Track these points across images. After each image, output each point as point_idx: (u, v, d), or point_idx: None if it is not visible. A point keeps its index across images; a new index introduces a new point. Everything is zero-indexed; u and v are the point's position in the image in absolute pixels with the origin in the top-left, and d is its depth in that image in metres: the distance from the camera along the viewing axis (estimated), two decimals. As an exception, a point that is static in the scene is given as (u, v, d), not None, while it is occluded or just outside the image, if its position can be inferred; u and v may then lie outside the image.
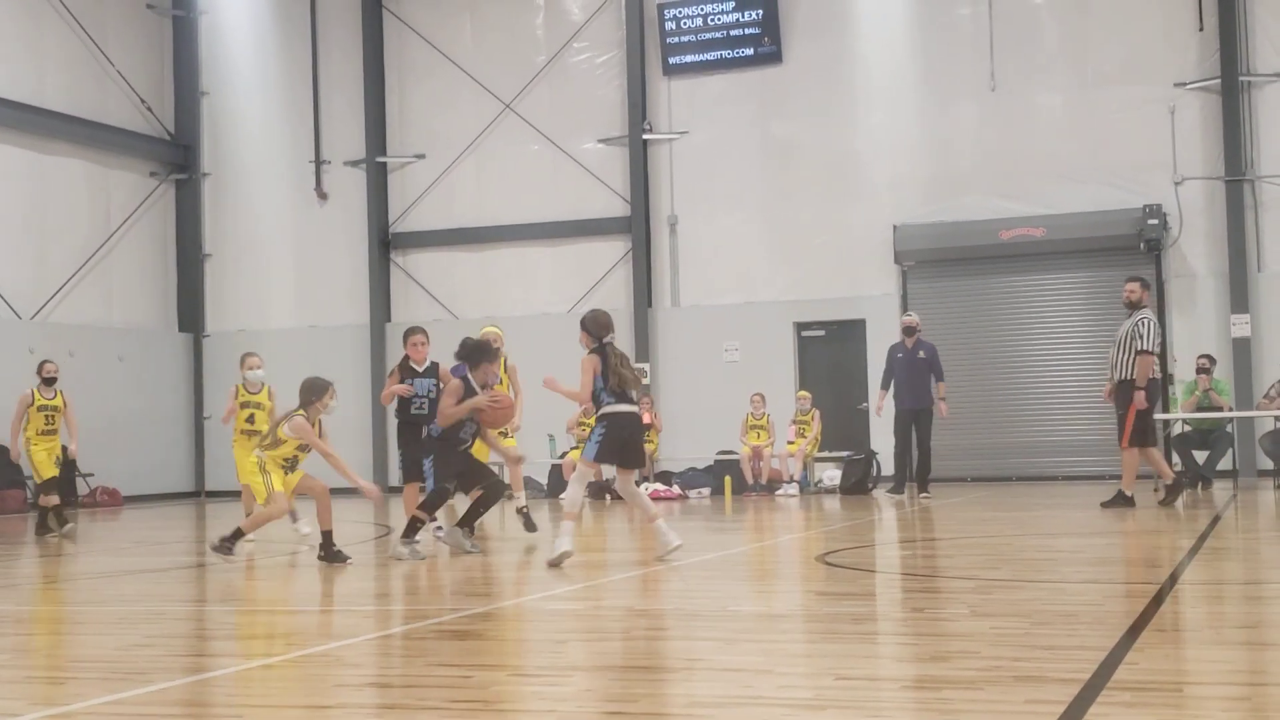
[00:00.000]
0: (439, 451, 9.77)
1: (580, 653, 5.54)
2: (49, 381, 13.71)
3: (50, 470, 13.45)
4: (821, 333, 21.30)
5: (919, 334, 16.63)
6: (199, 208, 24.21)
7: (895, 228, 20.71)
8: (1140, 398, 12.73)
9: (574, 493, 9.09)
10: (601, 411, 8.90)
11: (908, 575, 8.27)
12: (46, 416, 13.58)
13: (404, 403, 11.08)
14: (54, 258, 21.74)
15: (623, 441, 8.90)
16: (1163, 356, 16.54)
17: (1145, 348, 12.71)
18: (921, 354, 16.39)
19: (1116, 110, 20.05)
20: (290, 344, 23.65)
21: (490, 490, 9.97)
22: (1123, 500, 12.84)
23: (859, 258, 21.02)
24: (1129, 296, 13.07)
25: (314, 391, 9.99)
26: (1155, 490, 13.93)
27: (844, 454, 18.82)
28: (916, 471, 16.26)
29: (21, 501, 19.25)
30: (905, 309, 20.80)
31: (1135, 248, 19.61)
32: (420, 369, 11.26)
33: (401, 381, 11.07)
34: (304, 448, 9.99)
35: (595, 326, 9.23)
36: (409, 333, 11.46)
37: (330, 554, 9.59)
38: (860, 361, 20.84)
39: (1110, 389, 13.16)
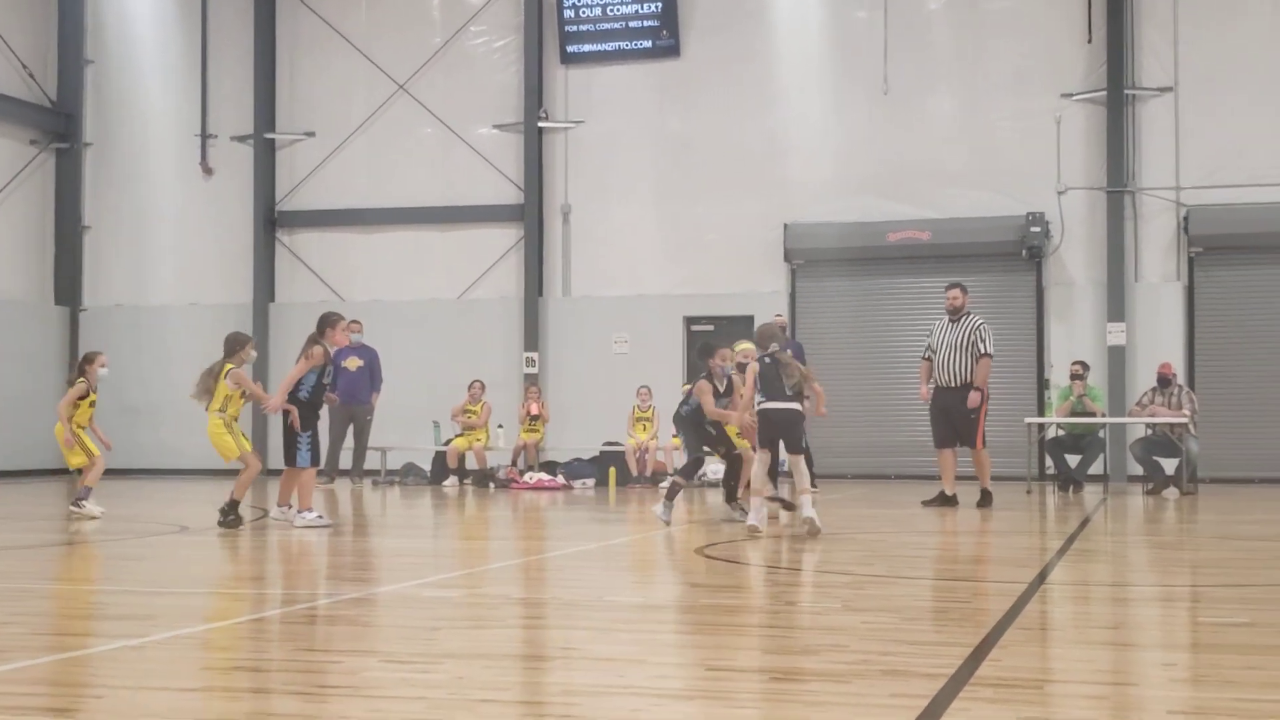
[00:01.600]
0: (690, 426, 11.86)
1: (455, 640, 5.51)
2: None
3: None
4: (710, 327, 21.41)
5: (786, 337, 16.83)
6: (79, 178, 23.58)
7: (786, 226, 20.91)
8: (975, 398, 13.41)
9: (759, 471, 10.33)
10: (757, 408, 10.35)
11: (784, 569, 8.37)
12: None
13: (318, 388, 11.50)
14: (-75, 224, 21.05)
15: (774, 430, 10.33)
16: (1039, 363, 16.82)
17: (989, 351, 13.53)
18: (789, 352, 16.56)
19: (1005, 118, 20.46)
20: (170, 321, 23.18)
21: (732, 461, 12.04)
22: (988, 499, 13.41)
23: (750, 254, 21.19)
24: (953, 302, 13.84)
25: (237, 344, 11.37)
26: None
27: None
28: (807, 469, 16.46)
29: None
30: (794, 306, 21.04)
31: (1017, 254, 20.04)
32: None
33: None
34: (244, 395, 11.28)
35: (759, 339, 10.79)
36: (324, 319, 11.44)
37: (228, 521, 10.69)
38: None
39: (927, 392, 13.78)
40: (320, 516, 10.87)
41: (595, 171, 21.94)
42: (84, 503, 12.04)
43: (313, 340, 11.04)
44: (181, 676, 4.68)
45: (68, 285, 23.49)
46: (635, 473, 18.60)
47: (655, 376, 20.05)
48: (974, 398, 13.42)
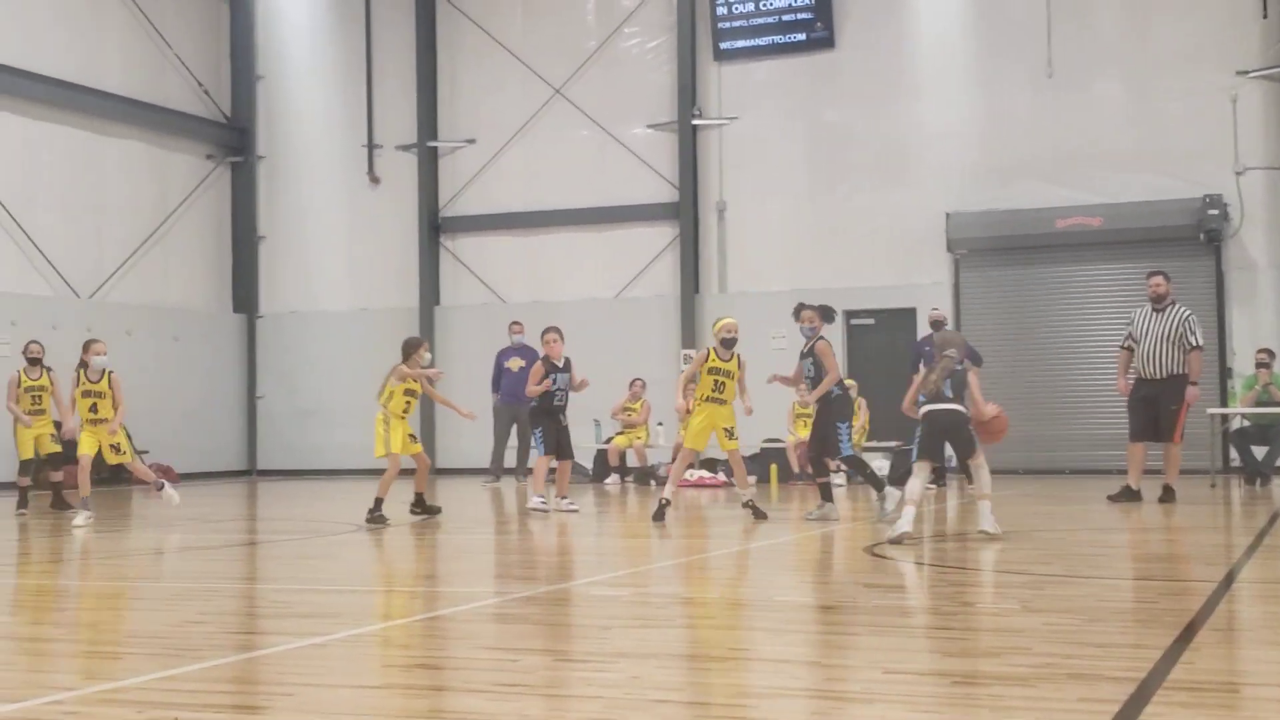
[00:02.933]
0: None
1: (627, 640, 5.53)
2: (34, 362, 13.81)
3: (29, 452, 13.63)
4: (871, 321, 21.16)
5: (945, 327, 16.53)
6: (254, 190, 24.38)
7: (948, 215, 20.53)
8: (1194, 393, 12.76)
9: (915, 484, 9.44)
10: (922, 411, 9.76)
11: (958, 569, 8.21)
12: (33, 397, 13.71)
13: (546, 394, 12.73)
14: (112, 238, 21.97)
15: (939, 435, 9.70)
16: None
17: (1199, 344, 12.86)
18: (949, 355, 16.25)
19: (1176, 98, 19.77)
20: (341, 326, 23.84)
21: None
22: (1170, 495, 12.90)
23: (910, 246, 20.87)
24: (1157, 290, 13.16)
25: (412, 347, 12.18)
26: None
27: (892, 444, 18.69)
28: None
29: (73, 477, 19.45)
30: (957, 298, 20.66)
31: (1194, 238, 19.34)
32: (559, 364, 12.83)
33: (545, 376, 12.66)
34: (411, 393, 11.95)
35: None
36: (545, 332, 13.01)
37: (424, 508, 12.05)
38: (910, 351, 20.66)
39: (1126, 384, 13.20)
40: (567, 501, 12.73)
41: (750, 167, 21.85)
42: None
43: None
44: (365, 674, 4.79)
45: (245, 294, 24.31)
46: (797, 469, 18.47)
47: (817, 372, 19.84)
48: (1193, 393, 12.79)
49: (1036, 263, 20.34)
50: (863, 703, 4.18)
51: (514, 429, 18.81)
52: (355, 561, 9.35)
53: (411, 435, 12.05)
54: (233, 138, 24.17)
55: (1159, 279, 13.27)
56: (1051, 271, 20.36)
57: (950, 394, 9.73)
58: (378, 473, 12.05)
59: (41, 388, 13.74)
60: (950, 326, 17.08)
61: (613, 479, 18.84)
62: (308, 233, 24.24)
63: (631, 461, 19.20)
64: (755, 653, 5.11)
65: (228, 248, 24.35)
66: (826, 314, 12.11)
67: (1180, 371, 12.86)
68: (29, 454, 13.66)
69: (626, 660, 4.96)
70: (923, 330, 18.76)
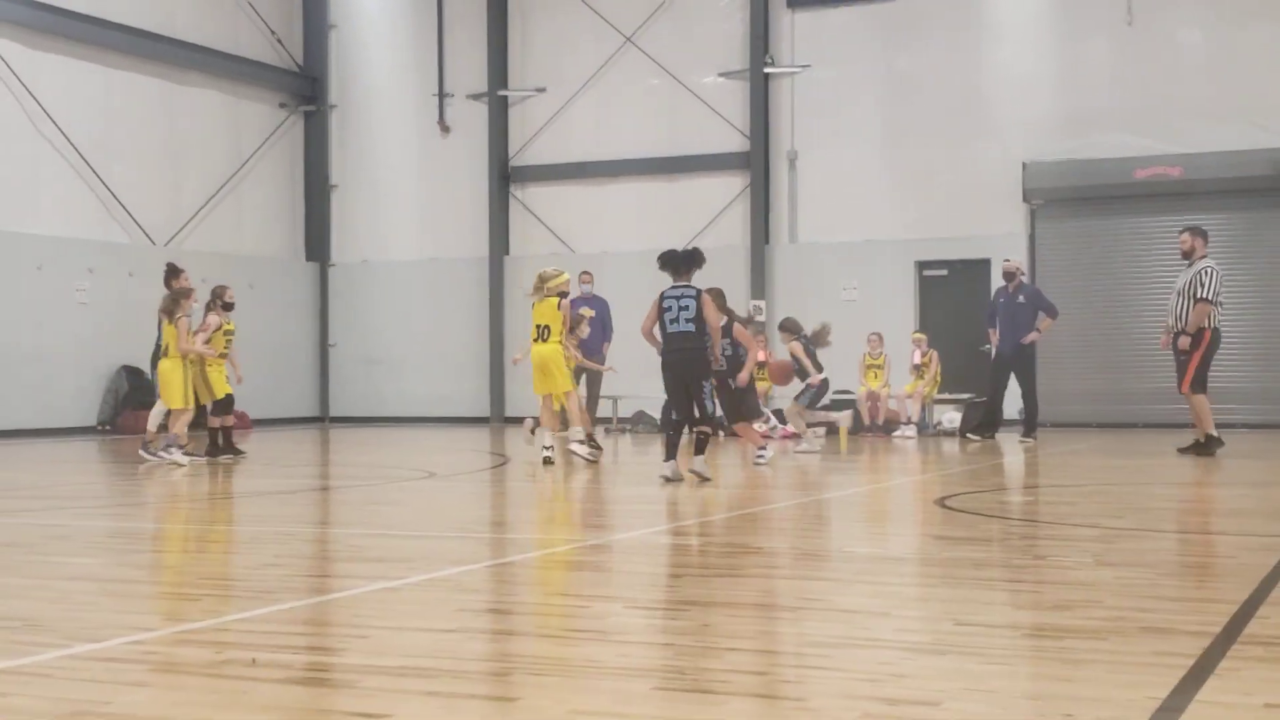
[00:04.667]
0: None
1: (696, 588, 5.55)
2: (228, 307, 13.95)
3: (225, 389, 13.71)
4: (944, 272, 20.95)
5: (1020, 278, 16.39)
6: (326, 139, 24.54)
7: (1024, 165, 20.24)
8: (1183, 342, 13.07)
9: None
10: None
11: (1029, 521, 8.15)
12: (228, 340, 13.87)
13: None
14: (187, 187, 22.24)
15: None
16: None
17: (1206, 296, 12.97)
18: (1021, 298, 16.22)
19: (1259, 46, 19.30)
20: (411, 275, 24.01)
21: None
22: (1208, 442, 13.05)
23: (985, 196, 20.61)
24: (1182, 247, 13.43)
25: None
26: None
27: (964, 396, 18.54)
28: (1027, 417, 16.09)
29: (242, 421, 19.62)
30: (1033, 249, 20.40)
31: (1276, 189, 18.94)
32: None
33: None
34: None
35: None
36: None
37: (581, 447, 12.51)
38: (984, 302, 20.37)
39: (1166, 339, 13.43)
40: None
41: (822, 116, 21.64)
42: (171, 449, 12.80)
43: None
44: (438, 618, 4.85)
45: (317, 242, 24.54)
46: (867, 421, 18.39)
47: (886, 323, 19.75)
48: (1182, 341, 13.11)
49: (1114, 213, 20.02)
50: (934, 654, 4.17)
51: (583, 378, 18.84)
52: (425, 508, 9.45)
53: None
54: (305, 86, 24.32)
55: (1184, 235, 13.51)
56: (1129, 222, 20.03)
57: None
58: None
59: (233, 332, 13.91)
60: (1025, 278, 16.85)
61: (806, 441, 18.82)
62: (379, 182, 24.38)
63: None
64: (825, 603, 5.11)
65: (300, 196, 24.56)
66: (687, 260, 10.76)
67: (1201, 325, 13.05)
68: (221, 394, 13.68)
69: (696, 608, 4.98)
70: (996, 282, 18.58)
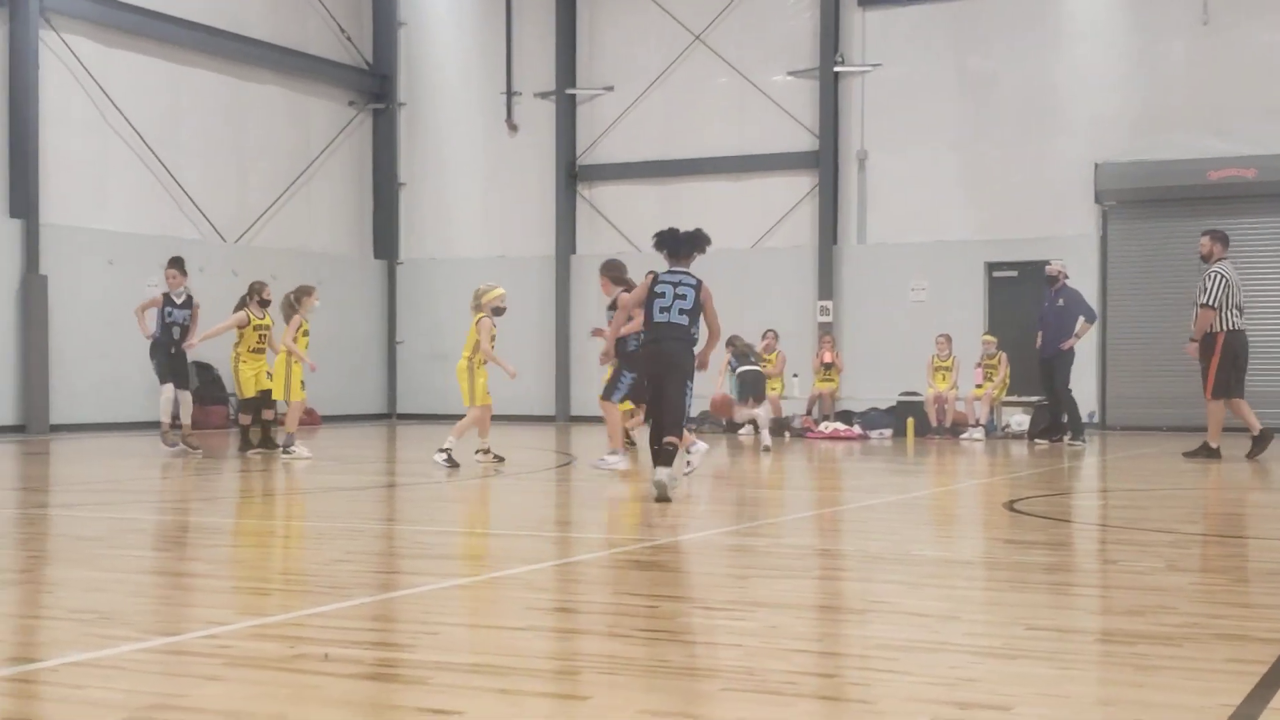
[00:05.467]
0: None
1: (763, 589, 5.55)
2: (264, 304, 14.19)
3: (252, 390, 13.98)
4: (1014, 274, 20.74)
5: (1063, 281, 16.31)
6: (394, 137, 24.73)
7: (1096, 166, 20.00)
8: (1189, 349, 13.41)
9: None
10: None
11: (1100, 526, 8.06)
12: (260, 335, 14.08)
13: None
14: (256, 184, 22.50)
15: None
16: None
17: (1207, 301, 13.17)
18: (1061, 301, 16.22)
19: (1340, 45, 18.93)
20: (478, 274, 24.00)
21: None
22: (1207, 452, 13.20)
23: (1056, 196, 20.38)
24: (1201, 250, 13.66)
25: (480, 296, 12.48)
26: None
27: (1033, 399, 18.36)
28: (1068, 419, 16.03)
29: (224, 418, 20.09)
30: (1104, 250, 20.15)
31: (1354, 192, 18.58)
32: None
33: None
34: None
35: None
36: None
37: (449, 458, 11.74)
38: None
39: (1190, 346, 13.66)
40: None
41: (892, 115, 21.50)
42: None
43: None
44: (507, 616, 4.88)
45: (385, 240, 24.74)
46: (934, 423, 18.26)
47: (955, 324, 19.60)
48: (1190, 348, 13.44)
49: (1187, 215, 19.71)
50: (1004, 658, 4.14)
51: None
52: (492, 506, 9.51)
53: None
54: (374, 84, 24.53)
55: (1204, 238, 13.68)
56: (1202, 225, 19.63)
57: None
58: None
59: (267, 327, 14.16)
60: (1070, 282, 16.77)
61: (747, 430, 18.82)
62: (446, 180, 24.53)
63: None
64: (893, 605, 5.09)
65: (369, 194, 24.78)
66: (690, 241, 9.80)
67: (1208, 330, 13.23)
68: (251, 392, 14.01)
69: (764, 609, 4.98)
70: (1076, 283, 18.32)
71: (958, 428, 18.12)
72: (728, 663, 4.06)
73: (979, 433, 17.79)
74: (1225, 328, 13.15)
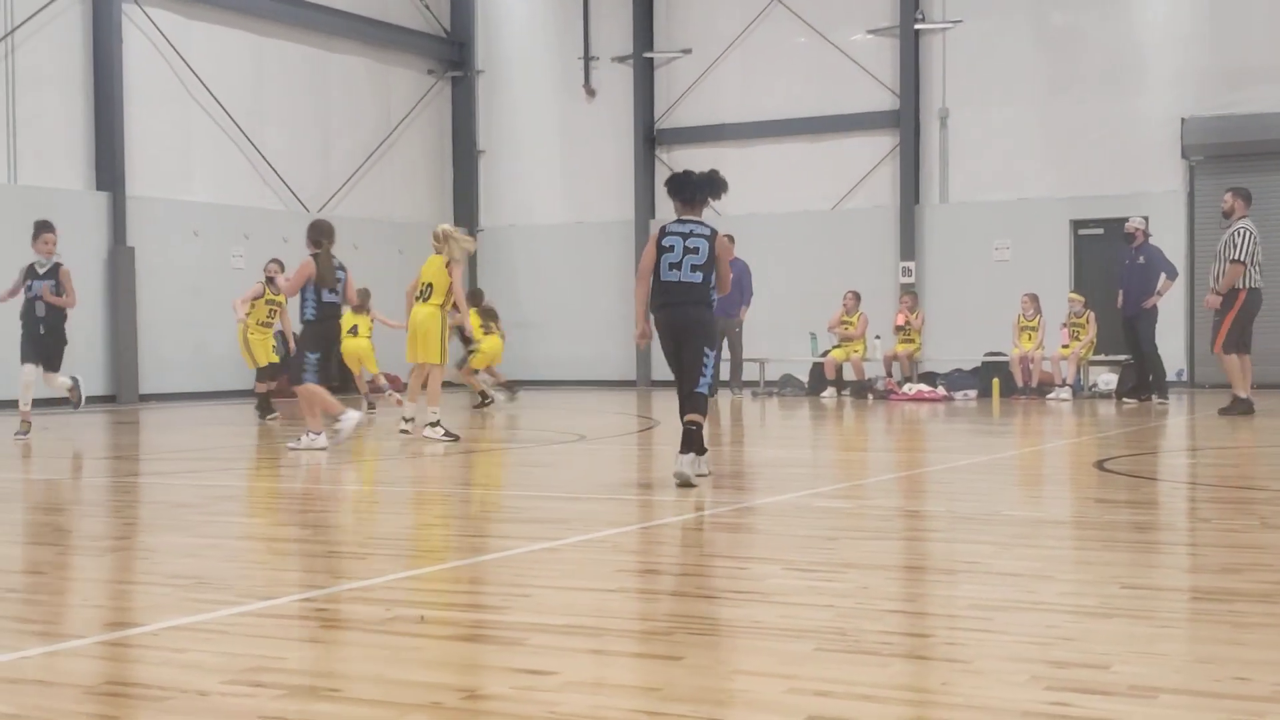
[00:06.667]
0: None
1: (854, 550, 5.54)
2: (270, 280, 14.61)
3: (267, 359, 14.46)
4: (1100, 231, 20.40)
5: (1143, 238, 16.17)
6: (473, 105, 24.81)
7: (1183, 120, 19.57)
8: (1210, 300, 13.57)
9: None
10: None
11: (1191, 484, 7.93)
12: (270, 310, 14.48)
13: None
14: (337, 153, 22.70)
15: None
16: None
17: (1238, 257, 13.26)
18: (1142, 259, 16.06)
19: None
20: (557, 239, 24.19)
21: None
22: (1240, 405, 13.24)
23: (1142, 153, 19.99)
24: (1223, 207, 13.73)
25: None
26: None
27: (1121, 358, 18.07)
28: (1152, 378, 16.00)
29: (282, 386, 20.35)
30: (1191, 207, 19.76)
31: None
32: None
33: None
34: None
35: None
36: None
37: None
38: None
39: (1211, 299, 13.74)
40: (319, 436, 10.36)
41: (974, 72, 21.18)
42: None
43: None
44: (598, 578, 4.91)
45: (466, 207, 24.87)
46: (1020, 383, 18.05)
47: (1040, 283, 19.31)
48: (1213, 300, 13.54)
49: (1275, 169, 19.25)
50: (1100, 617, 4.10)
51: (724, 342, 18.82)
52: (577, 470, 9.57)
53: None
54: (452, 52, 24.61)
55: (1227, 195, 13.75)
56: (1295, 178, 19.23)
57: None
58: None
59: (279, 303, 14.51)
60: (1150, 238, 16.60)
61: (829, 392, 18.76)
62: (525, 146, 24.58)
63: (848, 375, 19.08)
64: (986, 566, 5.05)
65: (449, 162, 24.90)
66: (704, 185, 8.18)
67: (1234, 286, 13.36)
68: (264, 361, 14.50)
69: (855, 570, 4.97)
70: (1162, 240, 18.00)
71: (1044, 388, 17.90)
72: (821, 623, 4.06)
73: (1066, 393, 17.56)
74: (1247, 284, 13.39)
